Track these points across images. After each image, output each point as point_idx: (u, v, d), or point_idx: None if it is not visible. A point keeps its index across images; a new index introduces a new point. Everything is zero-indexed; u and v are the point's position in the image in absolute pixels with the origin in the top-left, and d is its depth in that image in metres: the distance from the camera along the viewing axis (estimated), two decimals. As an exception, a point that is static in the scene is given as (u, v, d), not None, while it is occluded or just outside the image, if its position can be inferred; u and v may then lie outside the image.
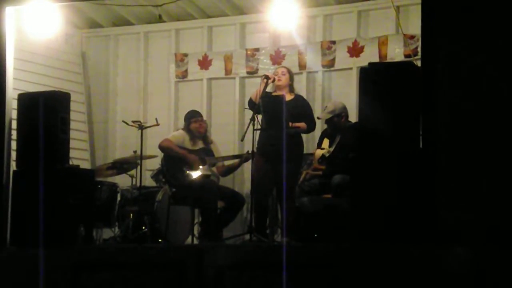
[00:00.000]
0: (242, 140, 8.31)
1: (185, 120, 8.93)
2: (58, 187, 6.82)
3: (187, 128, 8.82)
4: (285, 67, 8.93)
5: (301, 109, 8.40)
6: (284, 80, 8.50)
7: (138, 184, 8.92)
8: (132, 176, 9.19)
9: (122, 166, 9.27)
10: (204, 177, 8.51)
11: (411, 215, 5.82)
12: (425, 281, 5.56)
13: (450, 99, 5.82)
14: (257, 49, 10.37)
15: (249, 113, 8.22)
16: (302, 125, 8.31)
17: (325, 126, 8.52)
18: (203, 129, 8.88)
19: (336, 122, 8.17)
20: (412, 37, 9.36)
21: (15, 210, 6.93)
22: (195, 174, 8.51)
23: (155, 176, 9.43)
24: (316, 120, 8.48)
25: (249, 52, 10.39)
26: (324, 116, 8.28)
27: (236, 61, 10.44)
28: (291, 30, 9.86)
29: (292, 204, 7.82)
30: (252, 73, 10.36)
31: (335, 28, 10.10)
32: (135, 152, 9.12)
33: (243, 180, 10.05)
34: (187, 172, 8.52)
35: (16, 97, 7.16)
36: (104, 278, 6.33)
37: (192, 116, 8.89)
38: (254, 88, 9.23)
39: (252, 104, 8.38)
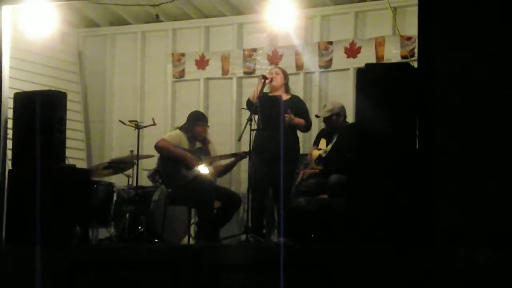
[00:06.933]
0: (239, 140, 8.30)
1: (188, 120, 8.82)
2: (54, 187, 6.80)
3: (188, 128, 8.73)
4: (278, 67, 8.93)
5: (298, 109, 8.41)
6: (279, 79, 8.50)
7: (134, 184, 8.90)
8: (128, 176, 9.18)
9: (118, 165, 9.25)
10: (200, 177, 8.50)
11: (408, 216, 5.82)
12: (422, 283, 5.55)
13: (447, 100, 5.82)
14: (254, 50, 10.37)
15: (246, 114, 8.21)
16: (302, 121, 8.32)
17: (322, 127, 8.52)
18: (205, 133, 8.84)
19: (334, 121, 8.15)
20: (409, 38, 9.37)
21: (10, 209, 6.92)
22: (192, 174, 8.49)
23: (151, 176, 9.41)
24: (314, 118, 8.47)
25: (246, 53, 10.38)
26: (323, 114, 8.25)
27: (233, 61, 10.43)
28: (288, 31, 9.84)
29: (289, 204, 7.82)
30: (249, 73, 10.35)
31: (332, 29, 10.10)
32: (131, 151, 9.10)
33: (239, 180, 10.04)
34: (184, 172, 8.50)
35: (12, 96, 7.15)
36: (100, 278, 6.32)
37: (199, 119, 8.79)
38: (251, 88, 9.23)
39: (249, 105, 8.37)
